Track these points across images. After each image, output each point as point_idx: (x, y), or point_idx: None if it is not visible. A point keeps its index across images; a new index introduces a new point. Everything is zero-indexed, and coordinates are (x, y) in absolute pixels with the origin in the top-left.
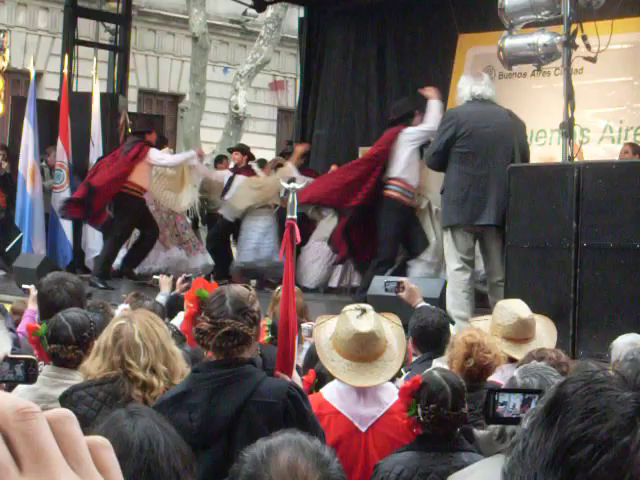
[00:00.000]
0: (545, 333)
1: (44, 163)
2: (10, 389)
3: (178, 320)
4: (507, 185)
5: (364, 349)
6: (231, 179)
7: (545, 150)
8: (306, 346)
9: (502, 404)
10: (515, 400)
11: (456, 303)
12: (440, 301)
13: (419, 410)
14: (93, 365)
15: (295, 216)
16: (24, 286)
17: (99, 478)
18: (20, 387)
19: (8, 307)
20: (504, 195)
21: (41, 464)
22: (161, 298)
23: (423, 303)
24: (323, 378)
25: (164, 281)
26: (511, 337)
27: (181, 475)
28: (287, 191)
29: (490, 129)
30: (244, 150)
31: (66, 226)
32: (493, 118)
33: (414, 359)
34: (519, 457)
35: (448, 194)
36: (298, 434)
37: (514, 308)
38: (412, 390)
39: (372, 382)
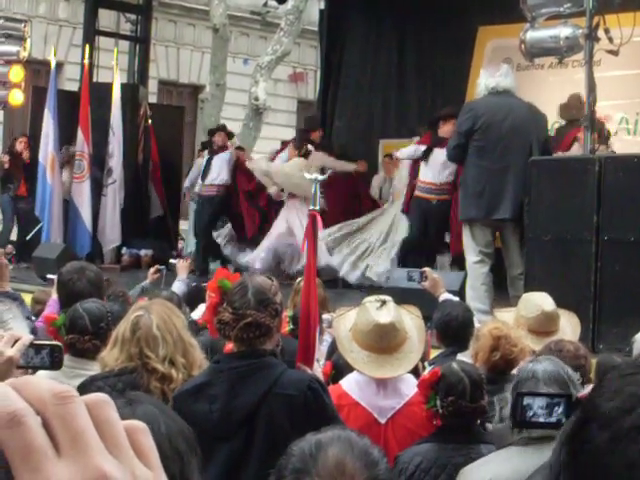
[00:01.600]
0: (568, 327)
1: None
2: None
3: (198, 312)
4: (528, 178)
5: (384, 340)
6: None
7: None
8: (328, 338)
9: (530, 408)
10: (542, 404)
11: (475, 296)
12: (460, 294)
13: (438, 402)
14: (111, 356)
15: (318, 207)
16: (49, 276)
17: (137, 462)
18: (40, 374)
19: (29, 297)
20: (521, 189)
21: (79, 448)
22: (178, 284)
23: (446, 293)
24: (341, 369)
25: (182, 265)
26: (534, 330)
27: (184, 456)
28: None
29: (507, 123)
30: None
31: (86, 216)
32: (511, 112)
33: (437, 353)
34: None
35: (466, 188)
36: (348, 431)
37: (539, 301)
38: (431, 382)
39: (392, 373)
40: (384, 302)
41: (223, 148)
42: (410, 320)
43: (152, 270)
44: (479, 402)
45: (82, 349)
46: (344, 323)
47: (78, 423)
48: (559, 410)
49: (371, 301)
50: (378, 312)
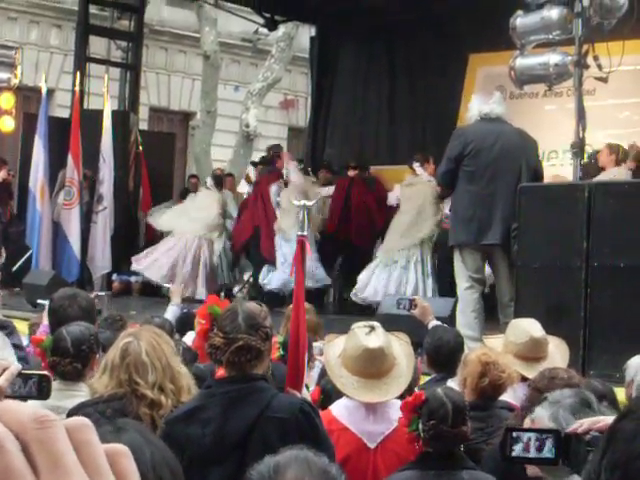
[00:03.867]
0: (557, 353)
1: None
2: None
3: (188, 339)
4: (518, 204)
5: (373, 365)
6: None
7: (557, 170)
8: (318, 364)
9: (519, 443)
10: (531, 439)
11: (464, 322)
12: (450, 320)
13: (420, 426)
14: (100, 383)
15: (306, 233)
16: (39, 301)
17: None
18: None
19: (19, 323)
20: (510, 214)
21: (58, 472)
22: (172, 309)
23: (435, 321)
24: (329, 395)
25: (175, 290)
26: (523, 355)
27: None
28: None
29: (497, 148)
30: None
31: (74, 243)
32: (500, 137)
33: (428, 379)
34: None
35: (455, 213)
36: (305, 451)
37: (527, 327)
38: (414, 405)
39: (380, 398)
40: (373, 328)
41: None
42: (399, 346)
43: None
44: (460, 427)
45: (63, 372)
46: (333, 349)
47: (57, 447)
48: (548, 446)
49: (360, 327)
50: (367, 337)
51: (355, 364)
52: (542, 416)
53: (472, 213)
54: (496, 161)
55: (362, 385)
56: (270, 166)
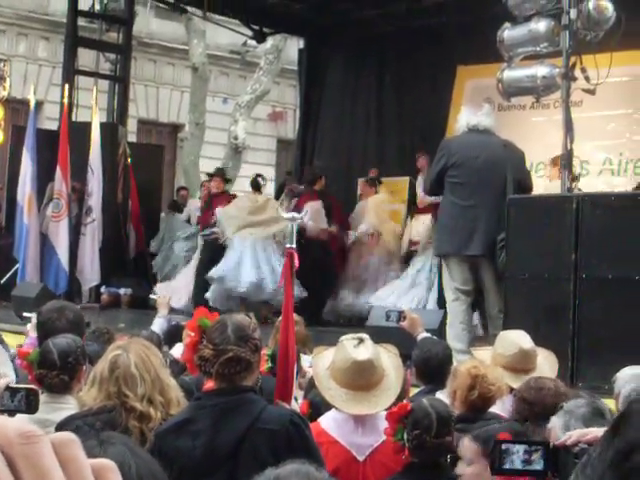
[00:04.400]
0: (546, 365)
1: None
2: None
3: (176, 351)
4: (506, 216)
5: (362, 377)
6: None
7: (545, 182)
8: (308, 376)
9: (508, 454)
10: (520, 451)
11: (453, 334)
12: (439, 332)
13: (405, 436)
14: (89, 396)
15: (294, 245)
16: (25, 314)
17: None
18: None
19: (13, 336)
20: (494, 225)
21: None
22: (159, 321)
23: (424, 333)
24: (317, 408)
25: (162, 302)
26: (512, 367)
27: None
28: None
29: (480, 160)
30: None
31: (62, 255)
32: (485, 149)
33: (416, 391)
34: (582, 469)
35: (441, 223)
36: (306, 465)
37: (516, 339)
38: (400, 415)
39: (369, 410)
40: (362, 340)
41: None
42: (388, 358)
43: None
44: (444, 438)
45: (50, 384)
46: (322, 361)
47: (43, 462)
48: (537, 458)
49: (349, 339)
50: (356, 349)
51: (344, 376)
52: (555, 425)
53: (455, 224)
54: (479, 172)
55: (351, 397)
56: (308, 186)
